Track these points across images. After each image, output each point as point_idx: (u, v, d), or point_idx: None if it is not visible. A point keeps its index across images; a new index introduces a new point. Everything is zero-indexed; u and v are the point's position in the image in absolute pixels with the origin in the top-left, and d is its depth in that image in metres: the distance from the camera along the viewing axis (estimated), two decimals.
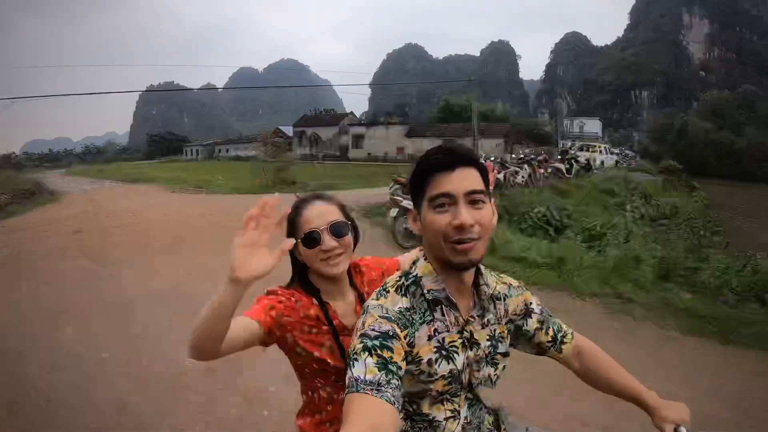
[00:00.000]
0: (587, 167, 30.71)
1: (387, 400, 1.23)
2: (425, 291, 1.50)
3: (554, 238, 11.68)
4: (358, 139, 67.79)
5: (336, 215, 1.86)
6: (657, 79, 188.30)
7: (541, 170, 22.68)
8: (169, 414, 4.35)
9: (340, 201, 1.96)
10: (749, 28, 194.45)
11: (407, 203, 10.29)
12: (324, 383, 1.85)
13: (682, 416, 1.56)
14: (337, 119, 74.81)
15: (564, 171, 25.76)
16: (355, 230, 1.94)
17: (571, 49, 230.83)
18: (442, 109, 73.53)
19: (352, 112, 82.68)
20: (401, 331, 1.41)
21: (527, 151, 32.93)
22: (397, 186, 13.98)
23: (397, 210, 10.64)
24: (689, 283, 7.92)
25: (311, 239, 1.80)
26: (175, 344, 5.73)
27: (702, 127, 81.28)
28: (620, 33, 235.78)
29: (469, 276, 1.55)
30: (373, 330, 1.38)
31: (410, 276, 1.55)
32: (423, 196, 1.46)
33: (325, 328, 1.83)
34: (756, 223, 26.73)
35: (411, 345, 1.44)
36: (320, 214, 1.83)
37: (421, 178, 1.46)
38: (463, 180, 1.41)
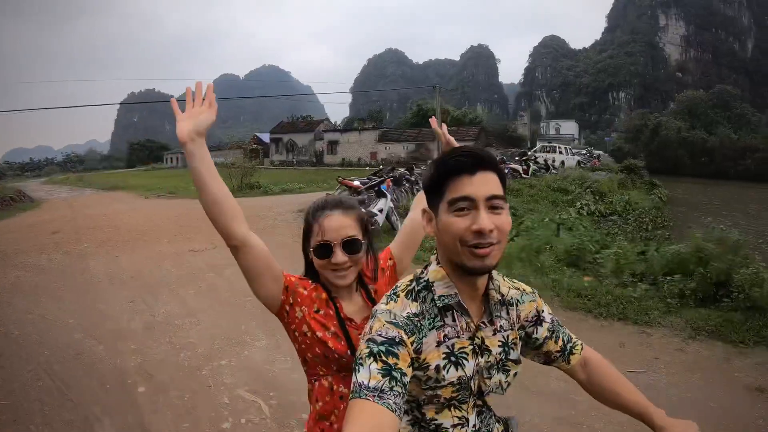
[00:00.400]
0: (546, 167, 32.15)
1: (388, 407, 1.24)
2: (436, 297, 1.50)
3: None
4: (332, 145, 68.60)
5: (352, 230, 1.87)
6: (634, 81, 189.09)
7: None
8: (116, 358, 5.84)
9: (360, 212, 1.98)
10: (725, 29, 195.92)
11: None
12: (326, 372, 1.87)
13: None
14: (313, 125, 75.46)
15: (521, 171, 27.13)
16: (369, 239, 1.96)
17: (549, 53, 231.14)
18: (415, 114, 73.99)
19: (327, 118, 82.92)
20: (408, 338, 1.41)
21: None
22: (343, 188, 15.31)
23: None
24: (594, 269, 8.99)
25: (323, 250, 1.85)
26: (129, 313, 7.34)
27: (674, 127, 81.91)
28: (598, 36, 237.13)
29: (482, 281, 1.53)
30: (379, 335, 1.38)
31: (421, 280, 1.55)
32: (441, 198, 1.45)
33: (331, 312, 1.87)
34: (709, 217, 27.94)
35: (418, 351, 1.44)
36: (336, 228, 1.85)
37: (440, 180, 1.45)
38: (484, 184, 1.41)
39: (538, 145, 52.32)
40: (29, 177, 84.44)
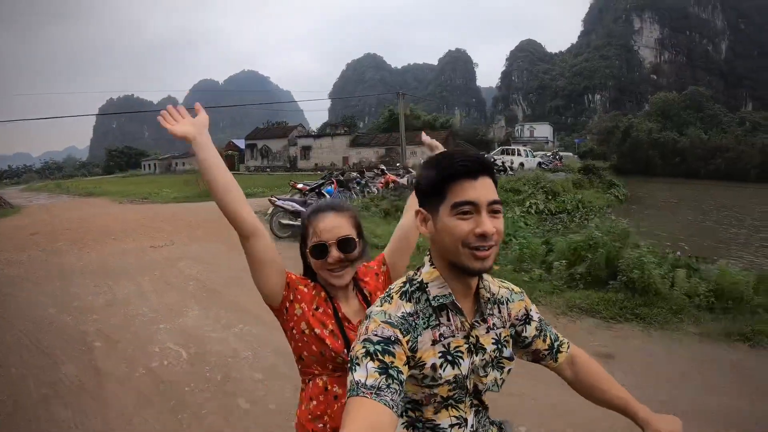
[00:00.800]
0: (503, 169, 33.29)
1: (386, 404, 1.25)
2: (431, 297, 1.51)
3: None
4: (306, 150, 69.57)
5: (346, 230, 1.93)
6: (609, 84, 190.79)
7: None
8: (81, 325, 7.42)
9: (353, 212, 2.05)
10: (699, 32, 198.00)
11: (281, 203, 13.32)
12: (321, 371, 1.91)
13: (675, 429, 1.60)
14: (287, 131, 76.47)
15: None
16: (362, 239, 2.03)
17: (526, 56, 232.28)
18: (387, 119, 75.76)
19: (301, 124, 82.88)
20: (403, 336, 1.42)
21: None
22: (295, 191, 16.84)
23: (272, 208, 13.58)
24: (504, 258, 9.94)
25: (319, 251, 1.90)
26: (93, 294, 8.94)
27: (645, 128, 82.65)
28: (574, 40, 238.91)
29: (474, 281, 1.56)
30: (375, 335, 1.39)
31: (414, 282, 1.56)
32: (442, 201, 1.45)
33: (330, 311, 1.93)
34: (657, 214, 29.61)
35: (413, 350, 1.45)
36: (330, 228, 1.91)
37: (442, 182, 1.45)
38: (485, 188, 1.44)
39: (498, 147, 53.43)
40: (8, 184, 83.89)
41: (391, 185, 21.78)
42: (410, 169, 24.89)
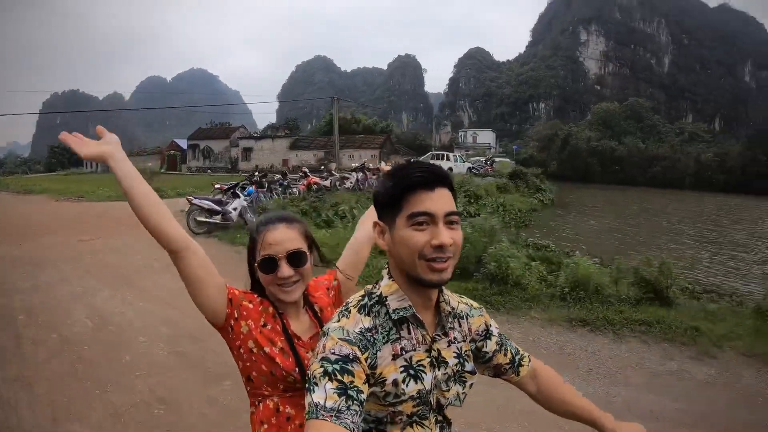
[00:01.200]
0: None
1: (346, 426, 1.22)
2: (391, 311, 1.49)
3: (336, 229, 14.89)
4: (247, 152, 70.68)
5: (296, 243, 1.87)
6: (554, 93, 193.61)
7: (374, 177, 25.80)
8: (8, 304, 8.79)
9: (304, 224, 1.99)
10: (643, 46, 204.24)
11: (197, 201, 14.81)
12: (271, 392, 1.84)
13: None
14: (229, 132, 77.21)
15: None
16: (318, 251, 2.02)
17: (474, 64, 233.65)
18: (327, 122, 75.03)
19: (243, 126, 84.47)
20: (362, 353, 1.39)
21: (365, 160, 36.90)
22: (217, 190, 18.14)
23: (189, 206, 14.95)
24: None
25: (268, 264, 1.83)
26: (22, 280, 10.26)
27: (584, 137, 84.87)
28: (522, 50, 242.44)
29: (434, 293, 1.54)
30: (333, 353, 1.35)
31: (373, 295, 1.54)
32: (399, 212, 1.44)
33: (279, 328, 1.86)
34: (577, 218, 31.91)
35: (373, 367, 1.42)
36: (280, 241, 1.84)
37: (399, 194, 1.44)
38: (442, 200, 1.42)
39: (429, 153, 54.96)
40: None
41: (314, 187, 22.90)
42: (334, 172, 26.38)
